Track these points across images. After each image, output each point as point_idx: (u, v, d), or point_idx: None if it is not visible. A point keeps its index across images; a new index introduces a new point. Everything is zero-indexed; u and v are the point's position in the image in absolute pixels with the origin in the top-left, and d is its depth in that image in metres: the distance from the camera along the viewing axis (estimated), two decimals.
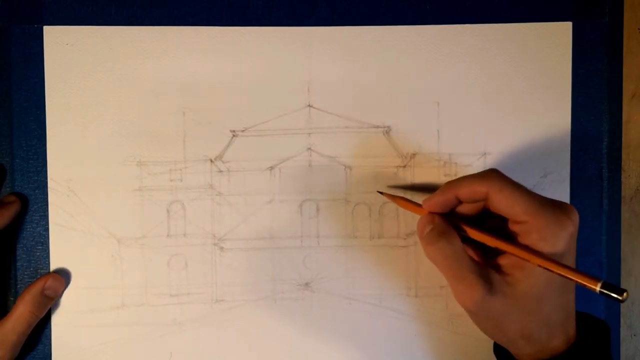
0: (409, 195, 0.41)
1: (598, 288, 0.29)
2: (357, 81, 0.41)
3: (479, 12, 0.41)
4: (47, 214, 0.40)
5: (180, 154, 0.40)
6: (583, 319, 0.36)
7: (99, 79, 0.40)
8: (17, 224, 0.40)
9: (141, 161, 0.40)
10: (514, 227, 0.33)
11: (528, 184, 0.41)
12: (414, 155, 0.41)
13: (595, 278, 0.30)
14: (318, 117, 0.41)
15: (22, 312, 0.38)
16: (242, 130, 0.41)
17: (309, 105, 0.41)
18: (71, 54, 0.40)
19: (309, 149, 0.41)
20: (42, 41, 0.40)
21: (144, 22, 0.40)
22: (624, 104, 0.42)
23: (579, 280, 0.30)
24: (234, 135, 0.41)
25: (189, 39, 0.40)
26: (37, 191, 0.40)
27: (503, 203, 0.32)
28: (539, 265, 0.31)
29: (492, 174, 0.33)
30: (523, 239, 0.33)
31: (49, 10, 0.40)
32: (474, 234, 0.34)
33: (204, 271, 0.41)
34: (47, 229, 0.40)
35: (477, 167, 0.41)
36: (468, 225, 0.35)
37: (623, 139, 0.42)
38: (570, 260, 0.33)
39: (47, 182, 0.40)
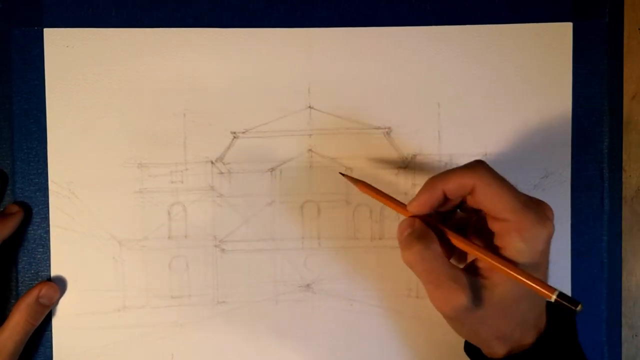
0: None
1: (554, 298, 0.30)
2: (357, 82, 0.41)
3: (479, 13, 0.41)
4: (48, 216, 0.40)
5: (181, 156, 0.40)
6: (554, 308, 0.36)
7: (100, 81, 0.40)
8: (18, 228, 0.39)
9: (142, 163, 0.40)
10: (493, 225, 0.32)
11: (529, 184, 0.41)
12: (414, 156, 0.41)
13: (551, 288, 0.30)
14: (319, 118, 0.41)
15: (18, 321, 0.38)
16: (243, 132, 0.41)
17: (309, 107, 0.41)
18: (71, 56, 0.40)
19: (310, 150, 0.41)
20: (42, 43, 0.40)
21: (144, 24, 0.40)
22: (625, 104, 0.42)
23: (538, 290, 0.30)
24: (234, 137, 0.41)
25: (189, 41, 0.40)
26: (37, 194, 0.40)
27: (488, 198, 0.31)
28: (501, 271, 0.31)
29: (479, 166, 0.32)
30: (501, 238, 0.32)
31: (49, 12, 0.40)
32: (455, 241, 0.33)
33: (205, 273, 0.41)
34: (47, 232, 0.40)
35: None
36: (451, 230, 0.34)
37: (624, 139, 0.42)
38: (546, 260, 0.33)
39: (47, 185, 0.40)
